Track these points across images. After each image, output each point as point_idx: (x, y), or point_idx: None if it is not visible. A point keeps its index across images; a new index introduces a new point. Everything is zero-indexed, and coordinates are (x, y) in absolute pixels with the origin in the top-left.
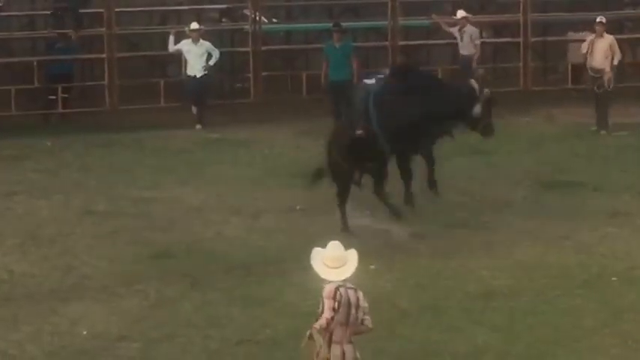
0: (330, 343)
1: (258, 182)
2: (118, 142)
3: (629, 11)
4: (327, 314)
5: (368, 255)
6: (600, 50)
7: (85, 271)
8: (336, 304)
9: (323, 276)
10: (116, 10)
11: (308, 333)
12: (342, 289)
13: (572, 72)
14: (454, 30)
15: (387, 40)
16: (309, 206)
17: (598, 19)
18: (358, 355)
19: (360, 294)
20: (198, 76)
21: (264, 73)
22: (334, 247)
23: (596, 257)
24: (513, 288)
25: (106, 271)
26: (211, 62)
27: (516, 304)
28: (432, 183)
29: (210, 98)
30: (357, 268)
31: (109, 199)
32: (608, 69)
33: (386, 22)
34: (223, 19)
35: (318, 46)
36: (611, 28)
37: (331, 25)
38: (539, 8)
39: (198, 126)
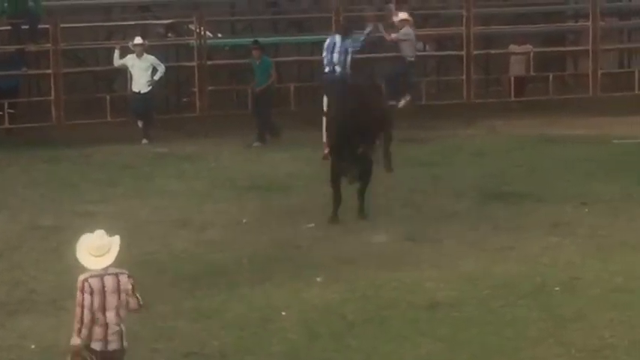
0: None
1: (204, 196)
2: (65, 156)
3: (570, 24)
4: (77, 310)
5: (314, 267)
6: None
7: (33, 286)
8: (84, 296)
9: (86, 265)
10: (62, 25)
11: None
12: (91, 280)
13: (514, 84)
14: (398, 36)
15: None
16: (255, 219)
17: None
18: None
19: (123, 277)
20: (142, 91)
21: (209, 88)
22: (98, 235)
23: (540, 267)
24: (458, 298)
25: (54, 285)
26: (157, 77)
27: (461, 315)
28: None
29: (156, 113)
30: (303, 281)
31: (56, 214)
32: None
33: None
34: (169, 34)
35: None
36: (553, 40)
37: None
38: (482, 21)
39: (144, 140)
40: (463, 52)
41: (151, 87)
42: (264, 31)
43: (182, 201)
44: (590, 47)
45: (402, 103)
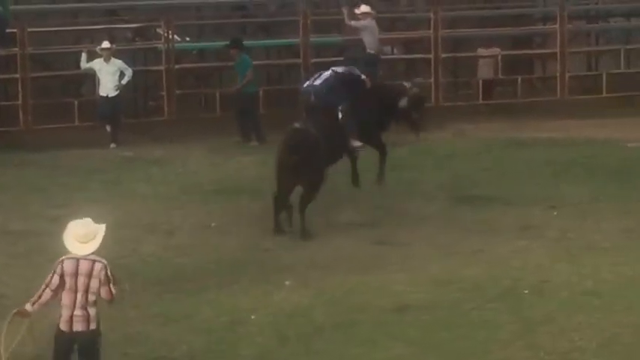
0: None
1: (172, 200)
2: (33, 161)
3: (538, 27)
4: (42, 286)
5: (283, 271)
6: None
7: (2, 291)
8: (53, 276)
9: (71, 250)
10: (29, 30)
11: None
12: (66, 261)
13: (482, 87)
14: (356, 24)
15: (299, 58)
16: (223, 223)
17: None
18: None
19: (98, 265)
20: (110, 95)
21: (177, 92)
22: (85, 223)
23: (509, 270)
24: (427, 301)
25: (23, 290)
26: (124, 81)
27: (431, 318)
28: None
29: (124, 117)
30: (272, 284)
31: (25, 219)
32: None
33: (298, 40)
34: (136, 38)
35: (231, 64)
36: (521, 43)
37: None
38: (449, 25)
39: (112, 145)
40: (431, 56)
41: (118, 91)
42: (232, 34)
43: (150, 205)
44: (558, 50)
45: None
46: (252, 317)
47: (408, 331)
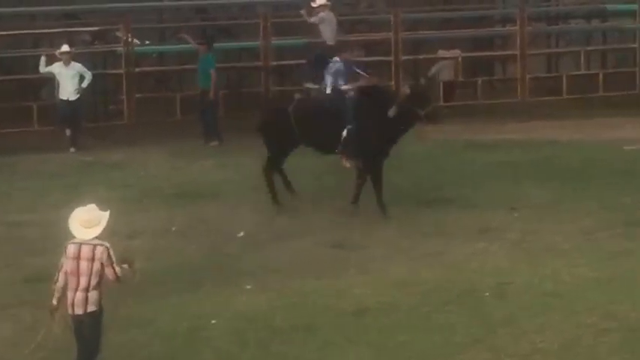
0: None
1: (133, 204)
2: None
3: (498, 28)
4: (57, 272)
5: (243, 275)
6: None
7: None
8: (62, 259)
9: (75, 234)
10: None
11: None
12: (71, 246)
13: (443, 89)
14: (315, 19)
15: (259, 61)
16: (184, 227)
17: None
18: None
19: (100, 248)
20: (71, 99)
21: (137, 95)
22: (89, 209)
23: (468, 273)
24: (387, 304)
25: None
26: (84, 84)
27: (389, 321)
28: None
29: (84, 121)
30: (232, 289)
31: None
32: None
33: (258, 43)
34: (96, 42)
35: (192, 67)
36: (482, 45)
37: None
38: (410, 27)
39: (72, 149)
40: (391, 58)
41: (78, 95)
42: (193, 37)
43: (111, 210)
44: (518, 52)
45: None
46: (213, 322)
47: (367, 334)
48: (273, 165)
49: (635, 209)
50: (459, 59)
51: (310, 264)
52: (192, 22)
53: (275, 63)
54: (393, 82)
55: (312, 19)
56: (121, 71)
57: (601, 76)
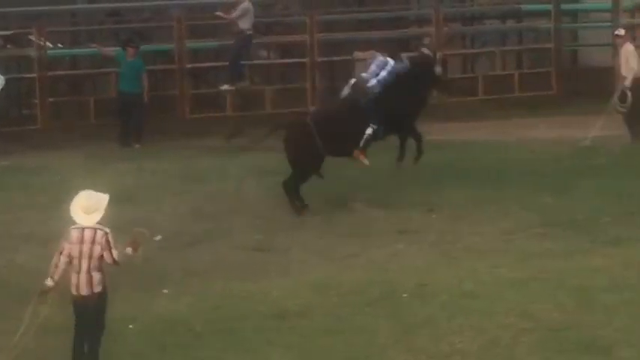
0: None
1: (49, 208)
2: None
3: (414, 29)
4: (55, 255)
5: (161, 279)
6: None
7: None
8: (63, 244)
9: (77, 220)
10: None
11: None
12: (73, 230)
13: None
14: (236, 13)
15: (174, 64)
16: None
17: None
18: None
19: (100, 233)
20: None
21: (50, 99)
22: (89, 196)
23: (388, 274)
24: (306, 307)
25: None
26: None
27: (309, 323)
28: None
29: None
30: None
31: None
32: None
33: (173, 45)
34: (8, 45)
35: (105, 70)
36: (398, 46)
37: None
38: (325, 28)
39: None
40: (307, 60)
41: None
42: (106, 41)
43: (27, 215)
44: None
45: (225, 87)
46: (131, 326)
47: (288, 337)
48: (297, 184)
49: (553, 209)
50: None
51: (229, 267)
52: (106, 25)
53: (190, 65)
54: (308, 84)
55: (235, 14)
56: (34, 75)
57: (517, 76)
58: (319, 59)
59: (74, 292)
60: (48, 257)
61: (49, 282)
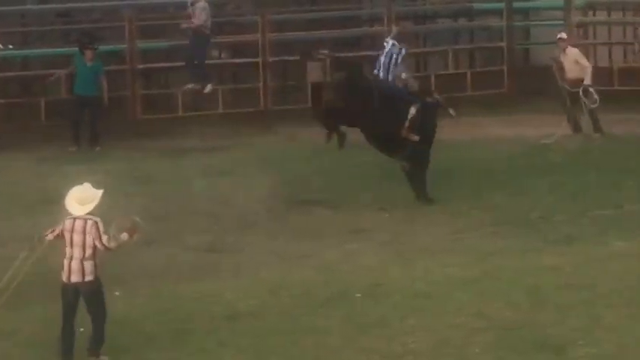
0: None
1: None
2: None
3: (366, 28)
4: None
5: (112, 281)
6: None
7: None
8: (53, 230)
9: (70, 211)
10: None
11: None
12: (67, 221)
13: (311, 91)
14: (199, 15)
15: (125, 64)
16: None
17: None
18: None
19: (90, 222)
20: None
21: (0, 101)
22: (84, 188)
23: (340, 274)
24: (258, 308)
25: None
26: None
27: (262, 324)
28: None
29: None
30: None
31: None
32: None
33: (124, 46)
34: None
35: (56, 71)
36: (349, 45)
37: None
38: (277, 28)
39: None
40: (259, 59)
41: None
42: (56, 41)
43: None
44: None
45: (208, 88)
46: (82, 330)
47: (240, 338)
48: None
49: (504, 208)
50: (327, 60)
51: (181, 269)
52: (56, 26)
53: (142, 66)
54: (261, 84)
55: (201, 18)
56: None
57: (469, 75)
58: (271, 59)
59: (65, 279)
60: (4, 258)
61: (49, 236)
